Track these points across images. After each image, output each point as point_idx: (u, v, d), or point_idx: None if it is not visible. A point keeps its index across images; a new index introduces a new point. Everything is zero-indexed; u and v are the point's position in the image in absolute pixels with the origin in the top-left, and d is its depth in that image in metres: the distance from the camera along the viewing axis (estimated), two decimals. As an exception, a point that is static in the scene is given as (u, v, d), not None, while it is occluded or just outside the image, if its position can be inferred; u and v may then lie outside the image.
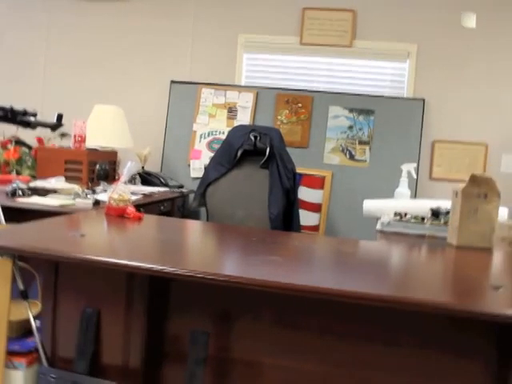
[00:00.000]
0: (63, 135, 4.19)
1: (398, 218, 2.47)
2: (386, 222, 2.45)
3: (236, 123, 4.22)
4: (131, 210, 2.23)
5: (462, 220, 2.16)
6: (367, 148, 4.15)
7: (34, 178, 3.48)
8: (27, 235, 1.80)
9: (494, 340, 1.55)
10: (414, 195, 3.88)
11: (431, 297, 1.42)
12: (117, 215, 2.22)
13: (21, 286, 1.95)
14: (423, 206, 2.56)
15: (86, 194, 2.82)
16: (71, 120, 3.43)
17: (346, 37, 4.27)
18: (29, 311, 1.93)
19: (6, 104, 2.58)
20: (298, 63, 4.44)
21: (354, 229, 3.90)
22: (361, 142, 4.16)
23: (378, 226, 2.48)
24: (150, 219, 2.34)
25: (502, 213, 2.40)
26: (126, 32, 4.60)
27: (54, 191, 2.97)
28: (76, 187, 2.98)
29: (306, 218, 4.00)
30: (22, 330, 2.13)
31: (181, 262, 1.71)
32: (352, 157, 4.17)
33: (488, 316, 1.33)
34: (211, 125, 4.37)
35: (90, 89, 4.60)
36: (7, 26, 4.76)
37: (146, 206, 3.16)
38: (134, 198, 2.82)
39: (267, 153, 3.44)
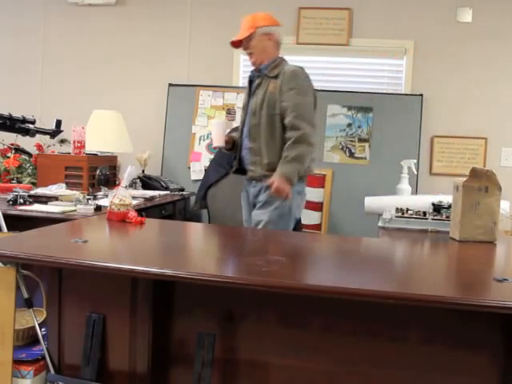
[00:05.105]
0: (62, 141, 4.20)
1: (399, 214, 2.47)
2: (387, 219, 2.45)
3: (235, 124, 4.21)
4: (133, 214, 2.23)
5: (464, 214, 2.16)
6: (367, 145, 4.14)
7: (35, 185, 3.48)
8: (30, 243, 1.80)
9: (500, 333, 1.55)
10: (415, 191, 3.88)
11: (436, 291, 1.42)
12: (118, 220, 2.21)
13: (25, 294, 1.95)
14: (424, 201, 2.56)
15: (87, 200, 2.82)
16: (70, 126, 3.43)
17: (343, 35, 4.27)
18: (34, 319, 1.93)
19: (5, 111, 2.58)
20: (295, 63, 4.41)
21: (356, 226, 3.89)
22: (360, 140, 4.16)
23: (380, 223, 2.48)
24: (151, 223, 2.34)
25: (504, 206, 2.40)
26: (123, 36, 4.60)
27: (55, 198, 2.97)
28: (77, 193, 2.98)
29: (308, 216, 4.00)
30: (28, 339, 2.13)
31: (185, 264, 1.71)
32: (352, 154, 4.17)
33: (493, 308, 1.33)
34: (210, 127, 4.37)
35: (87, 94, 4.60)
36: (3, 31, 4.76)
37: (147, 210, 3.16)
38: (135, 202, 2.82)
39: (267, 153, 3.43)
